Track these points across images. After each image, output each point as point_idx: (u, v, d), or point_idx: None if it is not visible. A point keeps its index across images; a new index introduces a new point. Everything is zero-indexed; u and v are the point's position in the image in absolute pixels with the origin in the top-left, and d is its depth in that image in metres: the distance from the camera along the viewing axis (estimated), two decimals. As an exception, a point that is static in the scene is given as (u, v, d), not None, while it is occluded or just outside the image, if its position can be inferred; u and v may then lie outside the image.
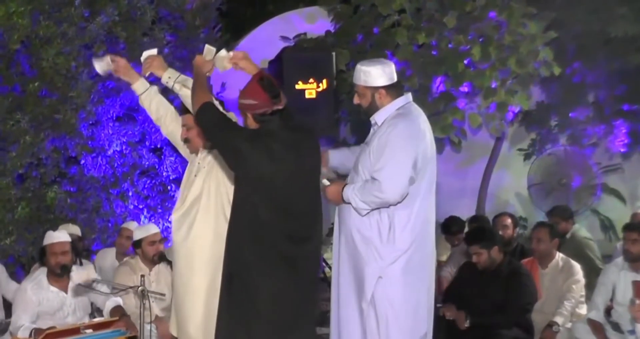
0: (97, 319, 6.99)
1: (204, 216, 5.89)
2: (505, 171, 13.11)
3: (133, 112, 10.50)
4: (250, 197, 5.08)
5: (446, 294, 7.96)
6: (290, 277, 5.14)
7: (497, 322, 7.39)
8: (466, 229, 9.60)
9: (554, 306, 8.00)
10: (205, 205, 5.90)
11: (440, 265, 9.22)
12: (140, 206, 10.52)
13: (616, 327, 7.39)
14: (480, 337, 7.35)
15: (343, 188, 5.45)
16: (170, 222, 10.49)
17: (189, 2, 11.16)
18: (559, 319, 7.85)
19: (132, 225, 8.91)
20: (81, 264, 8.09)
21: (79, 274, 7.24)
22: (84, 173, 10.10)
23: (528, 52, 10.49)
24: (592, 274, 8.32)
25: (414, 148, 5.31)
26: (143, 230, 7.96)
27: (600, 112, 12.52)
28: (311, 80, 9.53)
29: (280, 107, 5.14)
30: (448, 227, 9.87)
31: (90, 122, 10.03)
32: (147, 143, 10.59)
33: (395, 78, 5.54)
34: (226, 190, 5.84)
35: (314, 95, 9.37)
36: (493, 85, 10.55)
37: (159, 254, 7.73)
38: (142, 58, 6.05)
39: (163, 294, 7.50)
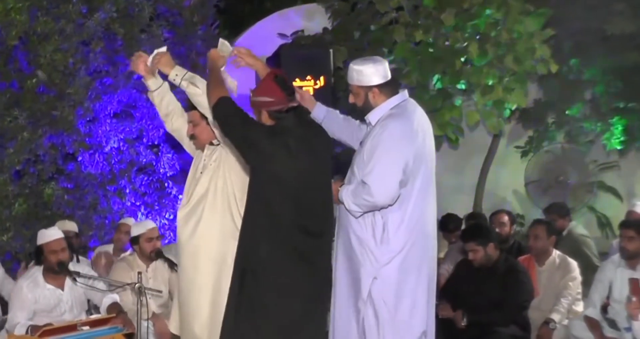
0: (94, 316, 7.01)
1: (211, 214, 5.87)
2: (503, 169, 13.11)
3: (130, 108, 10.50)
4: (267, 192, 5.12)
5: (442, 292, 7.97)
6: (305, 271, 5.18)
7: (494, 319, 7.40)
8: (463, 226, 9.62)
9: (551, 303, 8.02)
10: (211, 203, 5.88)
11: (437, 263, 9.23)
12: (138, 203, 10.52)
13: (612, 324, 7.41)
14: (477, 335, 7.37)
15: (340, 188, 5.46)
16: (167, 219, 10.55)
17: (187, -1, 11.17)
18: (555, 317, 7.87)
19: (130, 220, 8.91)
20: (78, 261, 8.09)
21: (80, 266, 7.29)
22: (82, 170, 10.09)
23: (525, 49, 10.49)
24: (589, 271, 8.34)
25: (403, 150, 5.26)
26: (140, 226, 7.96)
27: (597, 109, 12.53)
28: (309, 77, 9.53)
29: (295, 104, 5.21)
30: (445, 224, 9.88)
31: (88, 119, 10.02)
32: (144, 140, 10.58)
33: (389, 76, 5.49)
34: (233, 189, 5.82)
35: (311, 92, 9.36)
36: (490, 83, 10.56)
37: (156, 251, 7.74)
38: (151, 56, 6.05)
39: (160, 291, 7.51)
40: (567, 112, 12.58)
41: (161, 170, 10.72)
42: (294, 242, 5.14)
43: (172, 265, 7.45)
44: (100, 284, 7.28)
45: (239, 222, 5.44)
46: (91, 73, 9.76)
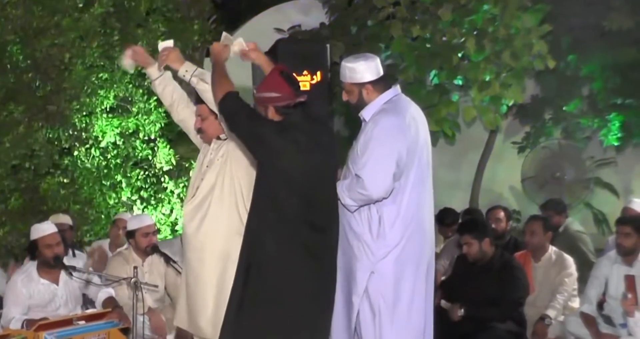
0: (90, 311, 6.99)
1: (217, 211, 5.83)
2: (499, 165, 13.12)
3: (127, 103, 10.48)
4: (275, 187, 5.11)
5: (440, 288, 7.97)
6: (311, 267, 5.16)
7: (490, 315, 7.40)
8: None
9: (547, 299, 8.02)
10: (218, 199, 5.83)
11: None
12: (134, 198, 10.51)
13: (608, 320, 7.40)
14: (474, 330, 7.37)
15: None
16: (163, 214, 10.54)
17: (184, -7, 11.17)
18: (551, 313, 7.88)
19: (127, 215, 8.90)
20: (74, 255, 8.09)
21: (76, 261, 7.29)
22: (78, 165, 10.07)
23: (522, 45, 10.50)
24: (585, 267, 8.33)
25: (396, 144, 5.27)
26: (137, 220, 7.94)
27: (594, 106, 12.54)
28: (305, 72, 9.49)
29: (302, 100, 5.19)
30: (442, 218, 9.85)
31: (84, 113, 10.00)
32: (140, 135, 10.57)
33: (381, 72, 5.49)
34: (240, 185, 5.77)
35: (307, 87, 9.32)
36: (487, 78, 10.56)
37: (152, 246, 7.71)
38: (159, 50, 6.00)
39: (156, 286, 7.51)
40: (564, 108, 12.59)
41: (157, 165, 10.71)
42: (300, 237, 5.13)
43: (168, 260, 7.43)
44: (96, 279, 7.27)
45: (245, 219, 5.40)
46: (87, 67, 9.74)
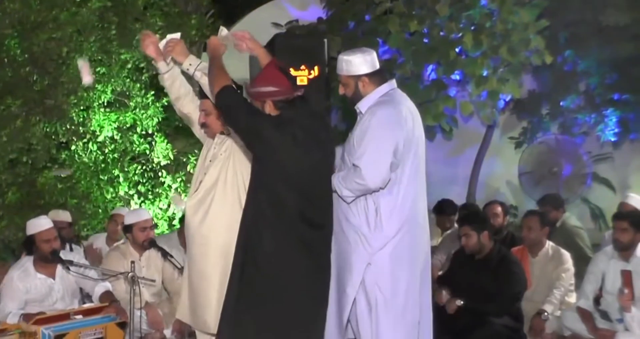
0: (87, 305, 6.99)
1: (220, 205, 5.83)
2: (496, 160, 13.11)
3: (124, 97, 10.48)
4: (272, 182, 5.10)
5: (439, 282, 7.98)
6: (308, 263, 5.17)
7: (487, 310, 7.41)
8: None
9: (544, 294, 8.03)
10: (221, 193, 5.83)
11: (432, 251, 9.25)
12: (131, 192, 10.51)
13: (605, 315, 7.42)
14: (471, 325, 7.37)
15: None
16: (160, 208, 10.54)
17: (182, -12, 11.17)
18: (548, 308, 7.89)
19: (124, 210, 8.90)
20: (71, 249, 8.09)
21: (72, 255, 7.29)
22: (75, 159, 10.07)
23: (520, 40, 10.50)
24: (582, 262, 8.34)
25: (394, 135, 5.29)
26: (135, 215, 7.94)
27: (591, 101, 12.53)
28: (303, 67, 9.49)
29: (300, 93, 5.19)
30: (442, 208, 9.79)
31: (81, 108, 10.00)
32: (138, 129, 10.57)
33: (377, 66, 5.52)
34: (243, 180, 5.77)
35: (305, 82, 9.33)
36: (484, 74, 10.56)
37: (149, 240, 7.71)
38: (164, 42, 5.98)
39: (153, 280, 7.51)
40: (561, 103, 12.58)
41: (155, 159, 10.71)
42: (297, 233, 5.13)
43: (165, 254, 7.43)
44: (93, 273, 7.27)
45: None
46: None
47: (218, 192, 5.83)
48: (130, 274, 6.50)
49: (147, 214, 8.01)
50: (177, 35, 6.02)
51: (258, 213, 5.15)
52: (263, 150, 5.11)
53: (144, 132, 10.63)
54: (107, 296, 7.08)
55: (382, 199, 5.33)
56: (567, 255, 8.19)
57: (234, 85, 5.27)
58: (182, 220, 8.88)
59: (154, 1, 10.78)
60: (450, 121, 11.30)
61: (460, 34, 10.58)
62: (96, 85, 10.00)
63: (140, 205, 10.37)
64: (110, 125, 10.30)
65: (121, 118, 10.41)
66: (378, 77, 5.51)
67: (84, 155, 10.12)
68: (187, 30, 10.87)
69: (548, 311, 7.87)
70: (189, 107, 6.15)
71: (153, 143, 10.73)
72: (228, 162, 5.84)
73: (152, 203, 10.62)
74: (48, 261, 7.09)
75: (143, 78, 10.59)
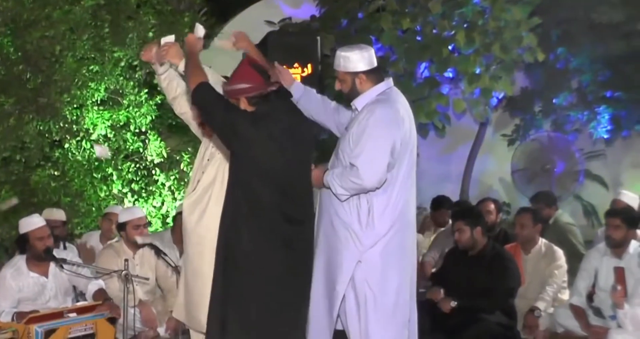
0: (81, 303, 6.99)
1: (216, 205, 5.81)
2: (489, 157, 13.15)
3: (117, 95, 10.46)
4: (249, 178, 5.11)
5: (432, 280, 7.99)
6: (288, 259, 5.18)
7: (481, 306, 7.42)
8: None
9: (537, 291, 8.05)
10: (218, 193, 5.81)
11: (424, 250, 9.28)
12: (125, 191, 10.50)
13: (598, 312, 7.44)
14: (464, 322, 7.38)
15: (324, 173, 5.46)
16: (154, 206, 10.53)
17: (174, -14, 11.15)
18: (541, 305, 7.90)
19: (117, 209, 8.89)
20: (65, 248, 8.08)
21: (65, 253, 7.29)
22: (68, 157, 10.06)
23: (512, 37, 10.53)
24: (575, 259, 8.36)
25: (392, 134, 5.30)
26: (128, 212, 7.95)
27: (583, 98, 12.56)
28: (296, 64, 9.51)
29: (274, 88, 5.20)
30: (439, 204, 9.78)
31: (75, 106, 9.99)
32: (131, 127, 10.55)
33: (375, 63, 5.52)
34: None
35: (298, 80, 9.36)
36: (477, 71, 10.57)
37: (136, 242, 7.70)
38: (160, 45, 6.00)
39: (147, 279, 7.52)
40: (553, 101, 12.62)
41: (148, 157, 10.70)
42: (275, 229, 5.14)
43: (159, 252, 7.43)
44: (86, 271, 7.27)
45: None
46: (78, 60, 9.73)
47: (215, 191, 5.83)
48: (123, 272, 6.50)
49: (140, 212, 8.02)
50: (172, 38, 6.03)
51: (236, 211, 5.17)
52: (239, 146, 5.13)
53: (137, 130, 10.60)
54: (101, 294, 7.07)
55: (375, 198, 5.35)
56: (559, 252, 8.21)
57: (210, 82, 5.28)
58: (175, 218, 8.89)
59: (147, -1, 10.77)
60: (443, 118, 11.31)
61: (452, 32, 10.61)
62: (89, 83, 9.98)
63: (133, 203, 10.35)
64: (103, 123, 10.27)
65: (114, 116, 10.38)
66: (375, 75, 5.52)
67: (77, 153, 10.09)
68: (180, 28, 10.83)
69: (541, 308, 7.88)
70: (186, 106, 6.16)
71: (146, 141, 10.71)
72: (225, 161, 5.85)
73: (146, 201, 10.60)
74: (41, 259, 7.09)
75: (136, 76, 10.57)
